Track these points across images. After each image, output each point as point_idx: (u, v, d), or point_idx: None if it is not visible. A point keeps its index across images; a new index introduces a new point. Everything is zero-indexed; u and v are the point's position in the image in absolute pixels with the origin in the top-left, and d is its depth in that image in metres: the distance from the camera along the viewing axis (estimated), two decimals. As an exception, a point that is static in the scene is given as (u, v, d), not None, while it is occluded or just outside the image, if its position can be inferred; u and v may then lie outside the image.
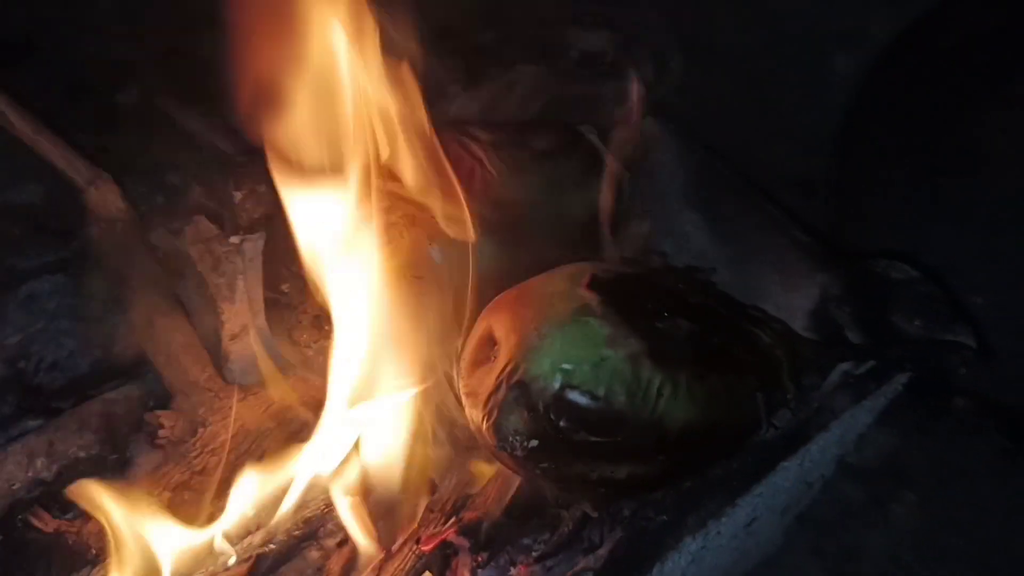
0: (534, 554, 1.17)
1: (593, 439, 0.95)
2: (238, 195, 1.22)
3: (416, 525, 1.15)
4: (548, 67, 1.37)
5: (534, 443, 0.96)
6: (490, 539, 1.14)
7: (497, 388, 0.97)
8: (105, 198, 1.38)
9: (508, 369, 0.97)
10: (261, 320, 1.25)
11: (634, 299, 1.01)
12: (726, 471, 1.04)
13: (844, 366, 1.13)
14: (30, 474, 1.28)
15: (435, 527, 1.15)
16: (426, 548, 1.11)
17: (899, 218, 1.73)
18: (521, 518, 1.18)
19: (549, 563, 1.17)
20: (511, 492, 1.15)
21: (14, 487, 1.27)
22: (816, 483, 1.31)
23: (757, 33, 1.92)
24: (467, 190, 1.12)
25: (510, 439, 0.97)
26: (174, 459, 1.20)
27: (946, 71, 1.67)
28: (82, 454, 1.32)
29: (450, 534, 1.11)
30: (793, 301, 1.26)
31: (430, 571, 1.14)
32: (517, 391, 0.96)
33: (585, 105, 1.39)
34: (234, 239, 1.24)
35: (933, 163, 1.68)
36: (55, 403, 1.48)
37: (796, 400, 1.08)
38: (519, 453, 0.97)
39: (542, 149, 1.18)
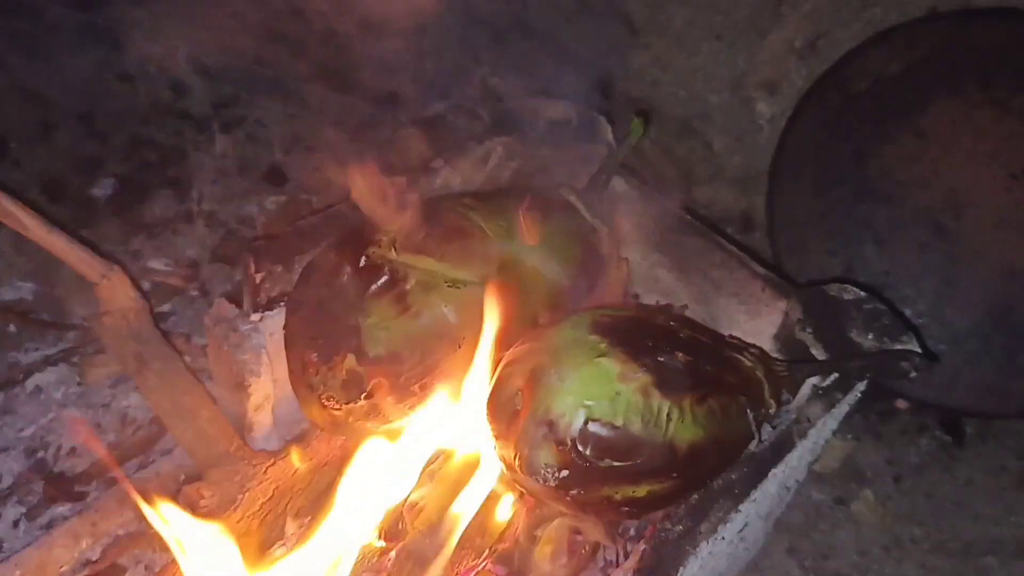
0: (557, 577, 1.31)
1: (616, 464, 1.09)
2: (258, 276, 1.33)
3: (450, 563, 1.26)
4: (519, 137, 1.51)
5: (564, 473, 1.09)
6: (522, 567, 1.27)
7: (526, 428, 1.11)
8: (116, 289, 1.47)
9: (534, 410, 1.10)
10: (285, 390, 1.36)
11: (635, 338, 1.15)
12: (726, 482, 1.19)
13: (813, 380, 1.29)
14: (76, 555, 1.36)
15: (469, 560, 1.27)
16: (466, 579, 1.23)
17: (833, 244, 1.92)
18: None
19: (572, 583, 1.31)
20: (536, 523, 1.29)
21: (62, 569, 1.35)
22: (792, 487, 1.47)
23: (688, 87, 2.12)
24: (472, 255, 1.26)
25: (542, 471, 1.10)
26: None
27: (861, 110, 1.88)
28: (122, 531, 1.41)
29: (487, 565, 1.24)
30: (759, 327, 1.43)
31: (467, 603, 1.26)
32: (545, 428, 1.09)
33: (554, 169, 1.55)
34: (254, 317, 1.35)
35: (856, 192, 1.88)
36: (79, 488, 1.56)
37: (777, 414, 1.24)
38: (552, 483, 1.10)
39: (532, 212, 1.32)
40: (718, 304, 1.47)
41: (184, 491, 1.35)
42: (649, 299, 1.55)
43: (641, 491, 1.12)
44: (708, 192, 2.16)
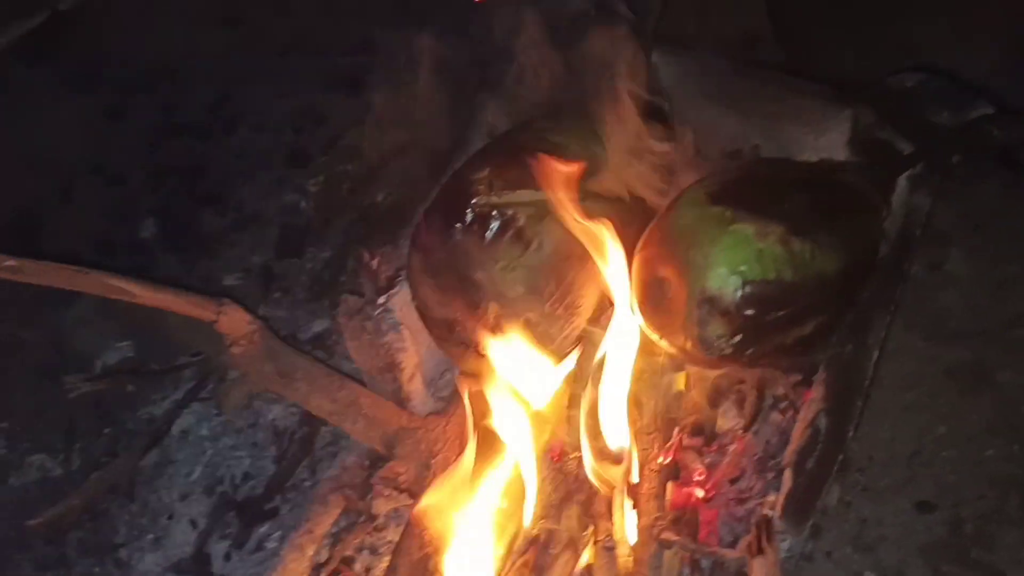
0: (739, 430, 1.41)
1: (780, 314, 1.17)
2: (374, 262, 1.39)
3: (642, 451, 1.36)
4: (549, 40, 1.53)
5: (738, 338, 1.18)
6: (711, 432, 1.37)
7: (688, 312, 1.18)
8: (234, 320, 1.53)
9: (690, 293, 1.18)
10: (433, 351, 1.44)
11: (751, 195, 1.22)
12: (872, 292, 1.27)
13: (906, 174, 1.36)
14: (307, 565, 1.45)
15: (661, 444, 1.36)
16: (668, 458, 1.33)
17: (846, 34, 1.95)
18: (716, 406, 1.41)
19: (754, 429, 1.41)
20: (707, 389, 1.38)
21: (302, 580, 1.45)
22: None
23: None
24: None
25: (715, 344, 1.18)
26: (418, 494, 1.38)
27: None
28: (335, 528, 1.50)
29: (683, 438, 1.34)
30: (830, 143, 1.48)
31: (671, 480, 1.37)
32: (708, 306, 1.17)
33: (588, 64, 1.57)
34: (381, 300, 1.41)
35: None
36: (267, 505, 1.66)
37: (888, 215, 1.31)
38: (728, 351, 1.18)
39: (602, 118, 1.37)
40: (784, 135, 1.52)
41: (379, 476, 1.44)
42: (715, 151, 1.60)
43: (807, 328, 1.20)
44: (707, 18, 2.17)
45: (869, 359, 1.22)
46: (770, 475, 1.45)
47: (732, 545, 1.39)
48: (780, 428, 1.43)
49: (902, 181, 1.36)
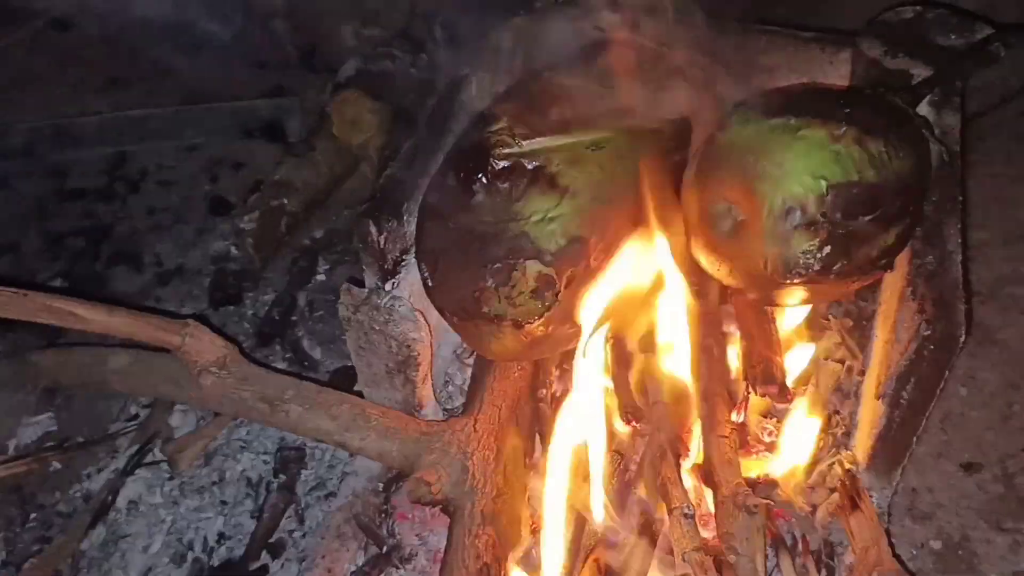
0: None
1: (868, 218, 1.06)
2: (381, 239, 1.21)
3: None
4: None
5: (826, 251, 1.06)
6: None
7: (768, 229, 1.06)
8: (202, 342, 1.30)
9: (768, 208, 1.06)
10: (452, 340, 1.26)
11: (808, 104, 1.13)
12: (936, 203, 1.18)
13: (927, 99, 1.30)
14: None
15: (727, 407, 1.22)
16: (740, 415, 1.19)
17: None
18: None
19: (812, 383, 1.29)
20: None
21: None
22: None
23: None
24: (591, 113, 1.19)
25: (802, 261, 1.06)
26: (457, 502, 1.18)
27: None
28: (353, 567, 1.27)
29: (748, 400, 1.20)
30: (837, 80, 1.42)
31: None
32: (791, 217, 1.05)
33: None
34: (388, 286, 1.24)
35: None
36: (254, 564, 1.41)
37: (927, 126, 1.24)
38: (816, 267, 1.06)
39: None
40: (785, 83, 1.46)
41: (406, 489, 1.22)
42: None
43: (891, 238, 1.10)
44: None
45: (955, 264, 1.12)
46: (838, 432, 1.32)
47: (810, 515, 1.25)
48: (838, 381, 1.32)
49: (924, 107, 1.31)
